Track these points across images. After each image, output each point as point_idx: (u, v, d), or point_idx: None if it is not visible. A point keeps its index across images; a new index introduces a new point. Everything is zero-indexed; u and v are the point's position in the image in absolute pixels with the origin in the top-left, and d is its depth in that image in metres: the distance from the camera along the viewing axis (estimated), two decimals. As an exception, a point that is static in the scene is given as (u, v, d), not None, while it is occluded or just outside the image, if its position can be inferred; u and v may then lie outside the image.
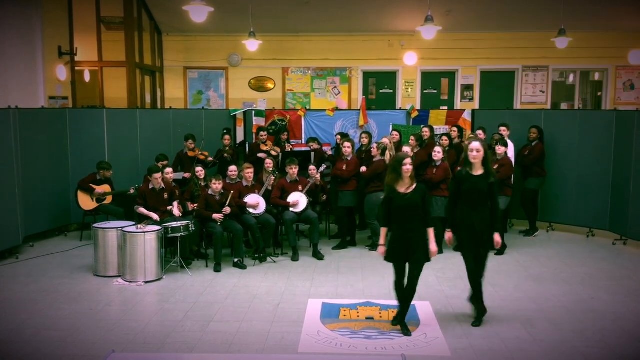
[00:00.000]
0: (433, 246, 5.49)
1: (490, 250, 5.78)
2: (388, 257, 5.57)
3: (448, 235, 5.90)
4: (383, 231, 5.62)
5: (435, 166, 8.25)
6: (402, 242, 5.44)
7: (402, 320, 5.61)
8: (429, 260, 5.52)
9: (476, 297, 5.84)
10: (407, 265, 5.52)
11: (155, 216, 7.70)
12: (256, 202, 8.14)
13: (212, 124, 10.75)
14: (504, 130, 9.18)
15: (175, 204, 7.95)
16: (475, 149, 5.68)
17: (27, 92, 10.19)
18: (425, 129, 9.70)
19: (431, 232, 5.50)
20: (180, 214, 7.88)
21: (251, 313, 6.08)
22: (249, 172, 8.40)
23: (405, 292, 5.55)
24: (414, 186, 5.47)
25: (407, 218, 5.42)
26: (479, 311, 5.84)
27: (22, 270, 7.59)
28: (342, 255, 8.38)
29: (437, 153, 8.23)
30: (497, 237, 5.68)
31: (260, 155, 9.43)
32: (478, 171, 5.71)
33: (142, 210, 7.84)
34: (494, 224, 5.68)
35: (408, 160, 5.45)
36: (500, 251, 8.32)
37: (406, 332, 5.55)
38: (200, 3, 8.53)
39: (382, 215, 5.64)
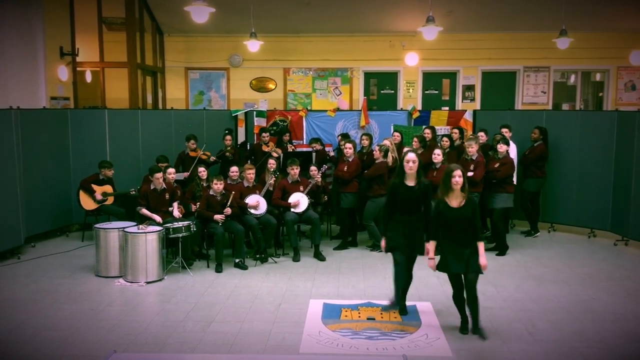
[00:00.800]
0: (483, 260, 5.35)
1: (419, 254, 5.89)
2: (441, 269, 5.51)
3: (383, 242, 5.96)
4: (432, 244, 5.51)
5: (435, 169, 8.22)
6: (455, 255, 5.36)
7: (477, 326, 5.42)
8: (481, 272, 5.39)
9: (403, 297, 6.01)
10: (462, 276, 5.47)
11: (158, 218, 7.68)
12: (256, 202, 8.14)
13: (213, 125, 10.75)
14: (506, 132, 9.17)
15: (175, 204, 7.95)
16: (412, 160, 5.74)
17: (28, 92, 10.20)
18: (427, 130, 9.69)
19: (481, 245, 5.39)
20: (181, 215, 7.87)
21: (252, 313, 6.09)
22: (250, 173, 8.41)
23: (468, 302, 5.44)
24: (465, 200, 5.36)
25: (458, 232, 5.35)
26: (400, 304, 6.01)
27: (23, 271, 7.60)
28: (344, 255, 8.38)
29: (437, 155, 8.17)
30: (427, 245, 5.71)
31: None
32: (412, 181, 5.81)
33: (145, 211, 7.82)
34: (427, 230, 5.78)
35: (457, 172, 5.30)
36: (502, 252, 8.32)
37: (483, 336, 5.35)
38: (202, 3, 8.54)
39: (431, 227, 5.55)
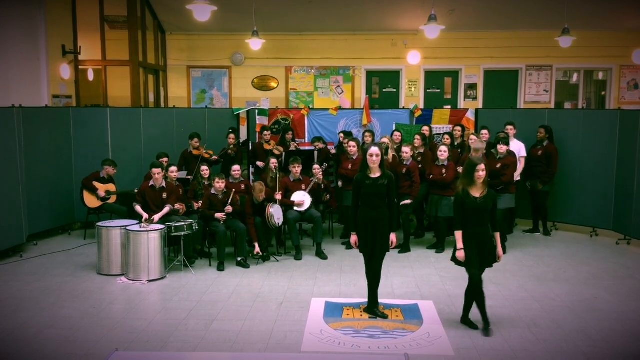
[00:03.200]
0: (499, 250, 5.56)
1: (386, 250, 5.91)
2: (459, 262, 5.63)
3: (353, 238, 5.97)
4: (459, 234, 5.58)
5: (442, 166, 8.21)
6: (474, 246, 5.49)
7: (467, 317, 5.74)
8: (496, 261, 5.60)
9: (373, 297, 5.99)
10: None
11: (145, 215, 7.53)
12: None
13: (215, 123, 10.76)
14: (510, 129, 9.14)
15: (176, 205, 7.86)
16: (375, 154, 5.77)
17: (30, 90, 10.21)
18: (425, 128, 9.68)
19: (497, 236, 5.57)
20: (173, 208, 7.79)
21: (254, 312, 6.09)
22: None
23: (467, 291, 5.69)
24: (487, 192, 5.52)
25: (479, 222, 5.48)
26: (370, 301, 6.01)
27: (25, 269, 7.61)
28: (345, 254, 8.37)
29: (443, 152, 8.19)
30: (392, 237, 5.87)
31: (259, 163, 9.60)
32: (376, 174, 5.81)
33: (138, 208, 7.72)
34: (391, 224, 5.87)
35: (481, 167, 5.46)
36: (503, 250, 8.29)
37: (474, 326, 5.64)
38: (204, 2, 8.53)
39: (456, 217, 5.64)
